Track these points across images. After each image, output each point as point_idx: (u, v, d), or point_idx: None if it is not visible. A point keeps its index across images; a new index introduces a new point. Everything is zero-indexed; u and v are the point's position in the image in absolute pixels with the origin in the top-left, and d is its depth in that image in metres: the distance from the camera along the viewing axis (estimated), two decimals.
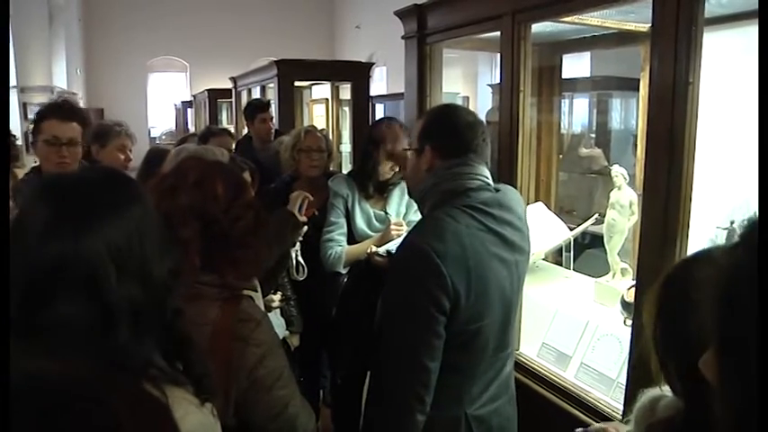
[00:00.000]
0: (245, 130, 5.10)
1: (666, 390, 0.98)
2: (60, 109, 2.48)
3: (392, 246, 2.27)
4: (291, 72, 5.22)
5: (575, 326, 2.32)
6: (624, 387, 1.88)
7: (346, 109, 5.93)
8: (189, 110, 12.26)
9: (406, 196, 2.73)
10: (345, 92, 5.84)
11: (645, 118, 1.73)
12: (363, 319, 2.21)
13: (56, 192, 0.91)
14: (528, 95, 2.26)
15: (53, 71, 8.92)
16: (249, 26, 13.99)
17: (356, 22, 13.60)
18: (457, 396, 1.58)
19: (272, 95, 5.50)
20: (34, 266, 0.82)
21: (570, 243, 2.86)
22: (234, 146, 5.05)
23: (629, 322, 2.02)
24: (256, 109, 4.62)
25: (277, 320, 2.31)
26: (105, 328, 0.83)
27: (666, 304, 0.94)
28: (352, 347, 2.30)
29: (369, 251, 2.43)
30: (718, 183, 2.09)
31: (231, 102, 7.42)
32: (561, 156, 3.49)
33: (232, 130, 6.77)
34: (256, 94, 6.10)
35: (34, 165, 2.52)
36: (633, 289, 2.09)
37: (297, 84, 5.56)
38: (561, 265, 2.97)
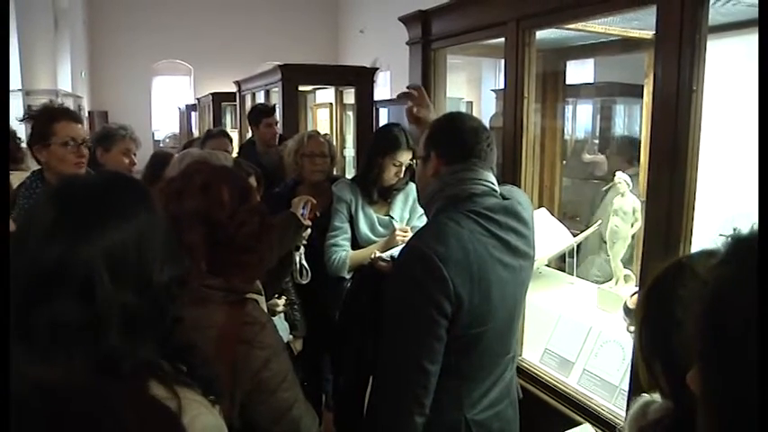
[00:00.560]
0: (249, 134, 5.11)
1: (658, 396, 0.99)
2: (68, 111, 2.51)
3: (396, 251, 2.28)
4: (296, 76, 5.23)
5: (577, 332, 2.32)
6: (627, 393, 1.87)
7: (350, 113, 5.93)
8: (193, 113, 12.26)
9: (410, 201, 2.74)
10: (349, 96, 5.84)
11: (648, 124, 1.73)
12: (366, 324, 2.23)
13: (64, 195, 0.93)
14: (532, 101, 2.27)
15: (58, 74, 8.93)
16: (253, 30, 14.01)
17: (360, 26, 13.61)
18: (457, 400, 1.59)
19: (276, 99, 5.51)
20: (33, 267, 0.85)
21: (573, 249, 2.86)
22: (238, 149, 5.10)
23: (632, 329, 2.01)
24: (261, 113, 4.63)
25: (281, 325, 2.31)
26: (95, 331, 0.84)
27: (651, 315, 0.97)
28: (355, 352, 2.30)
29: (373, 256, 2.44)
30: (722, 189, 2.09)
31: (235, 105, 7.43)
32: (565, 161, 3.49)
33: (236, 133, 6.81)
34: (260, 98, 6.11)
35: (36, 168, 2.53)
36: (636, 296, 2.09)
37: (301, 88, 5.56)
38: (564, 271, 2.98)
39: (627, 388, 1.89)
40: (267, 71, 5.74)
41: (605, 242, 2.63)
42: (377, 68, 6.03)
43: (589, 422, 2.00)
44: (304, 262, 2.43)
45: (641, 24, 2.26)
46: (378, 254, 2.45)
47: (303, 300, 2.61)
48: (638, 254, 2.25)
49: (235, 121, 8.12)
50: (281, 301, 2.36)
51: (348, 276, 2.65)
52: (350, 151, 6.14)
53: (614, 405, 2.02)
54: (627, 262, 2.56)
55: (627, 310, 2.20)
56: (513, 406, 1.77)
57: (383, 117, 7.47)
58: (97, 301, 0.84)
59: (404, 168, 2.65)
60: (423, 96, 2.08)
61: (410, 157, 2.61)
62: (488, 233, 1.54)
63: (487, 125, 1.79)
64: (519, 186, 2.25)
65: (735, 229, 0.62)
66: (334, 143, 3.73)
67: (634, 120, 4.45)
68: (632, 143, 3.56)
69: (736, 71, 2.04)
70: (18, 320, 0.80)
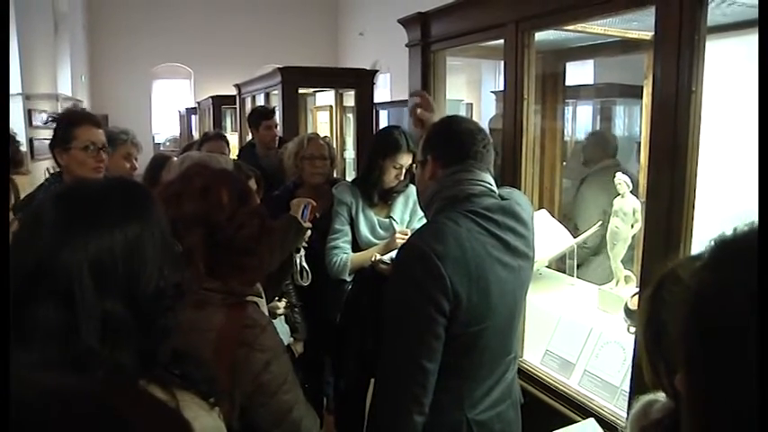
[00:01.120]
0: (249, 137, 5.11)
1: (661, 395, 1.00)
2: (90, 116, 2.55)
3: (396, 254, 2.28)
4: (295, 79, 5.23)
5: (578, 333, 2.31)
6: (628, 394, 1.87)
7: (350, 116, 5.93)
8: (193, 116, 12.26)
9: (411, 204, 2.74)
10: (349, 99, 5.85)
11: (648, 125, 1.73)
12: (367, 327, 2.23)
13: (63, 199, 0.94)
14: (531, 103, 2.27)
15: (58, 78, 8.93)
16: (253, 33, 14.03)
17: (360, 29, 13.62)
18: (458, 400, 1.59)
19: (276, 102, 5.52)
20: (25, 267, 0.86)
21: (574, 250, 2.86)
22: (237, 152, 5.10)
23: (633, 329, 2.01)
24: (261, 116, 4.64)
25: (282, 327, 2.31)
26: (74, 334, 0.85)
27: (649, 318, 0.98)
28: (356, 354, 2.30)
29: (373, 259, 2.44)
30: (722, 190, 2.09)
31: (235, 108, 7.44)
32: (565, 163, 3.49)
33: (236, 136, 6.81)
34: (260, 100, 6.11)
35: (54, 171, 2.55)
36: (636, 296, 2.09)
37: (301, 91, 5.57)
38: (564, 272, 2.97)
39: (628, 389, 1.89)
40: (267, 74, 5.74)
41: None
42: (377, 71, 6.03)
43: None
44: (305, 264, 2.43)
45: (640, 25, 2.26)
46: (378, 256, 2.45)
47: (304, 302, 2.61)
48: (638, 255, 2.24)
49: (235, 123, 8.13)
50: (282, 304, 2.36)
51: (349, 279, 2.65)
52: (350, 154, 6.14)
53: (615, 406, 2.02)
54: (627, 262, 2.56)
55: (628, 310, 2.20)
56: (515, 407, 1.77)
57: (383, 119, 7.48)
58: (77, 306, 0.85)
59: (404, 171, 2.65)
60: (428, 101, 2.27)
61: (410, 159, 2.62)
62: (486, 232, 1.54)
63: (487, 127, 1.80)
64: (519, 188, 2.25)
65: (735, 229, 0.62)
66: (334, 145, 3.73)
67: (634, 121, 4.44)
68: (604, 137, 3.96)
69: (735, 72, 2.04)
70: (14, 319, 0.83)
